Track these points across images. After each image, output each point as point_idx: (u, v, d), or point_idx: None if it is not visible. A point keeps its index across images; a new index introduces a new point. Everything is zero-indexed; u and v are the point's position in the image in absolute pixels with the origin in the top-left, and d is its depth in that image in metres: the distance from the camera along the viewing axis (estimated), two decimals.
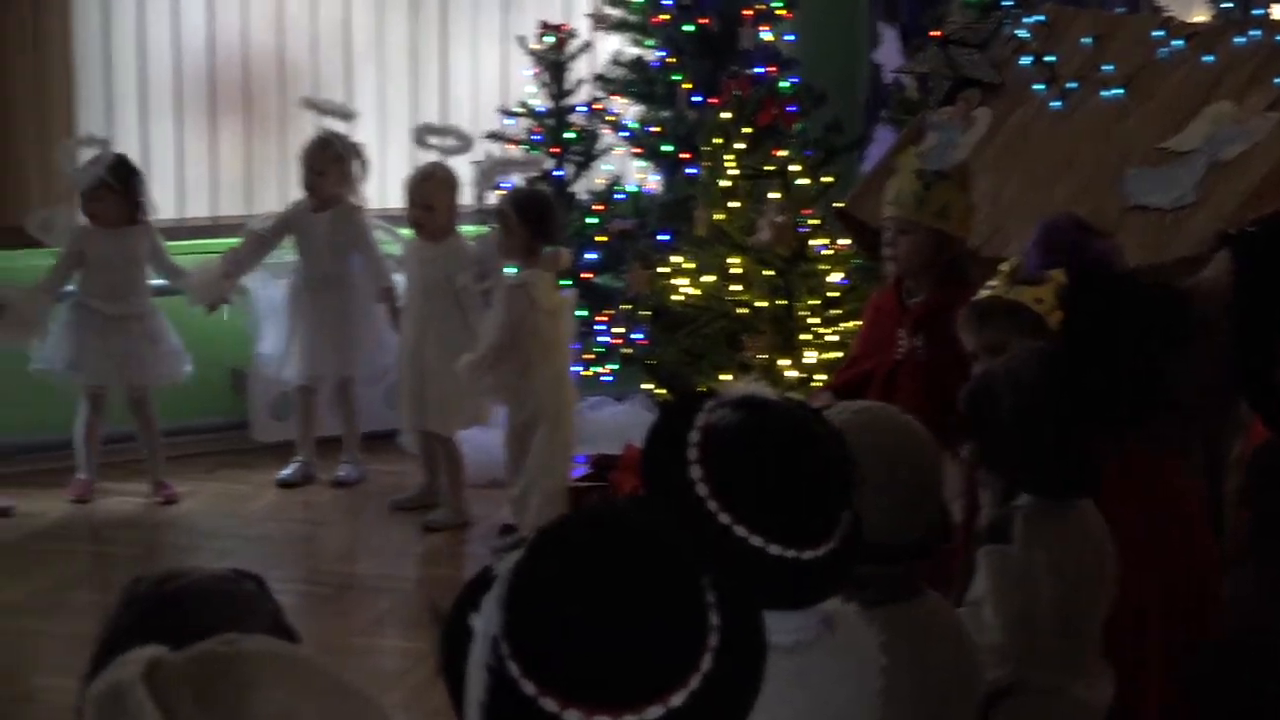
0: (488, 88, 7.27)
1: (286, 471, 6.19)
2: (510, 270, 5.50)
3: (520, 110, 6.65)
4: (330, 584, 5.26)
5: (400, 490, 6.02)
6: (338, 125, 6.18)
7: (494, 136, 6.57)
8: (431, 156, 6.00)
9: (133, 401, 6.01)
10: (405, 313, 5.93)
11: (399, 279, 6.05)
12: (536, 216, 5.43)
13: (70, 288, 5.91)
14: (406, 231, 6.04)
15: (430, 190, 5.86)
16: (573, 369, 5.80)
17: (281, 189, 6.66)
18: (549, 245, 5.47)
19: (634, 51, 6.79)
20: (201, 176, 6.78)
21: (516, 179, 6.01)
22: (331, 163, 6.08)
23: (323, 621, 4.81)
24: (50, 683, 4.26)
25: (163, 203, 6.34)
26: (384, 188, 6.62)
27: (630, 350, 6.37)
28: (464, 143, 6.06)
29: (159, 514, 5.86)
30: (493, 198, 5.87)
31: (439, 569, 5.44)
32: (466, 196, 6.04)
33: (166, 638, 1.69)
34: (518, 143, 6.59)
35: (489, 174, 5.94)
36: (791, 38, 6.78)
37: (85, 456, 5.99)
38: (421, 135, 6.09)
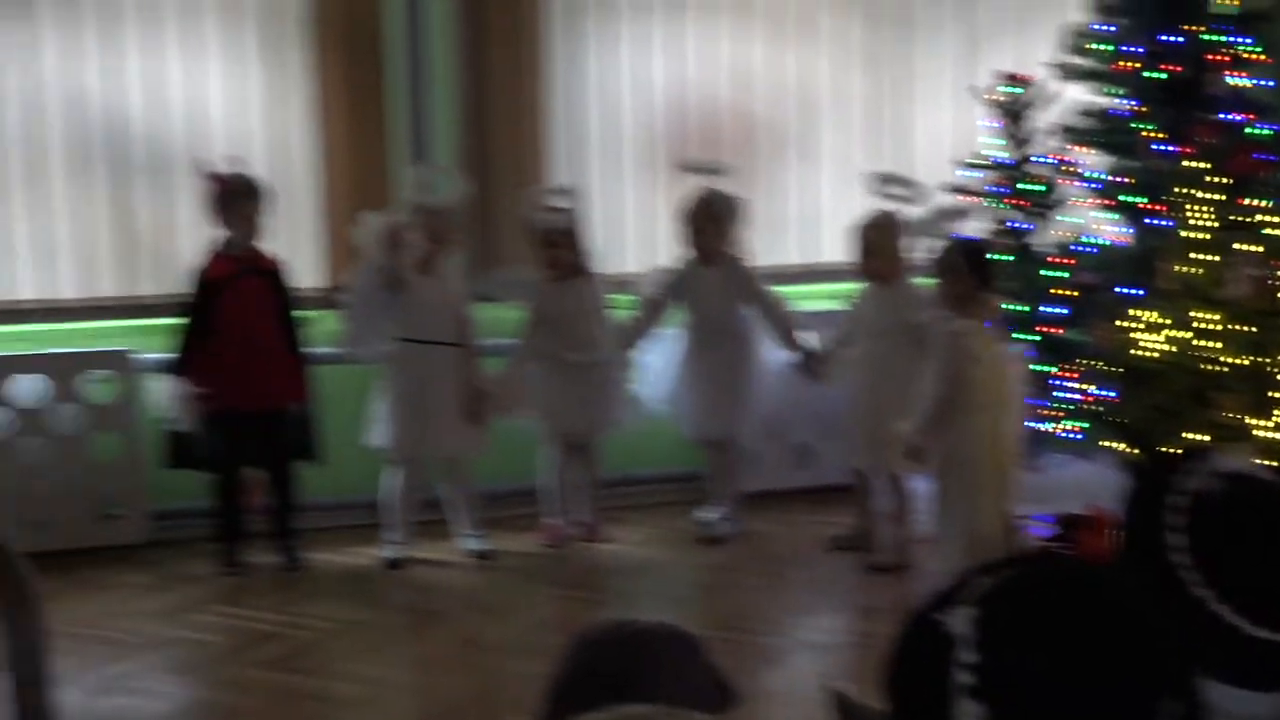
0: (947, 138, 7.26)
1: (705, 515, 6.31)
2: (945, 319, 5.50)
3: (979, 161, 6.60)
4: (759, 636, 5.31)
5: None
6: (717, 181, 6.23)
7: (954, 189, 6.53)
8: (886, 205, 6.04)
9: (582, 445, 6.25)
10: (859, 355, 5.98)
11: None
12: (982, 266, 5.42)
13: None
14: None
15: (879, 236, 5.93)
16: (1024, 423, 5.72)
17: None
18: (988, 294, 5.44)
19: (1098, 100, 6.65)
20: (648, 230, 6.97)
21: (958, 228, 5.95)
22: (709, 220, 6.16)
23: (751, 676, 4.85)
24: None
25: (621, 256, 6.63)
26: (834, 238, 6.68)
27: (1095, 407, 6.22)
28: (918, 193, 6.05)
29: (625, 561, 6.05)
30: (934, 246, 5.83)
31: (873, 623, 5.40)
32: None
33: (609, 692, 1.76)
34: (976, 194, 6.54)
35: (933, 223, 5.91)
36: (1268, 83, 6.51)
37: (557, 502, 6.25)
38: (878, 184, 6.12)
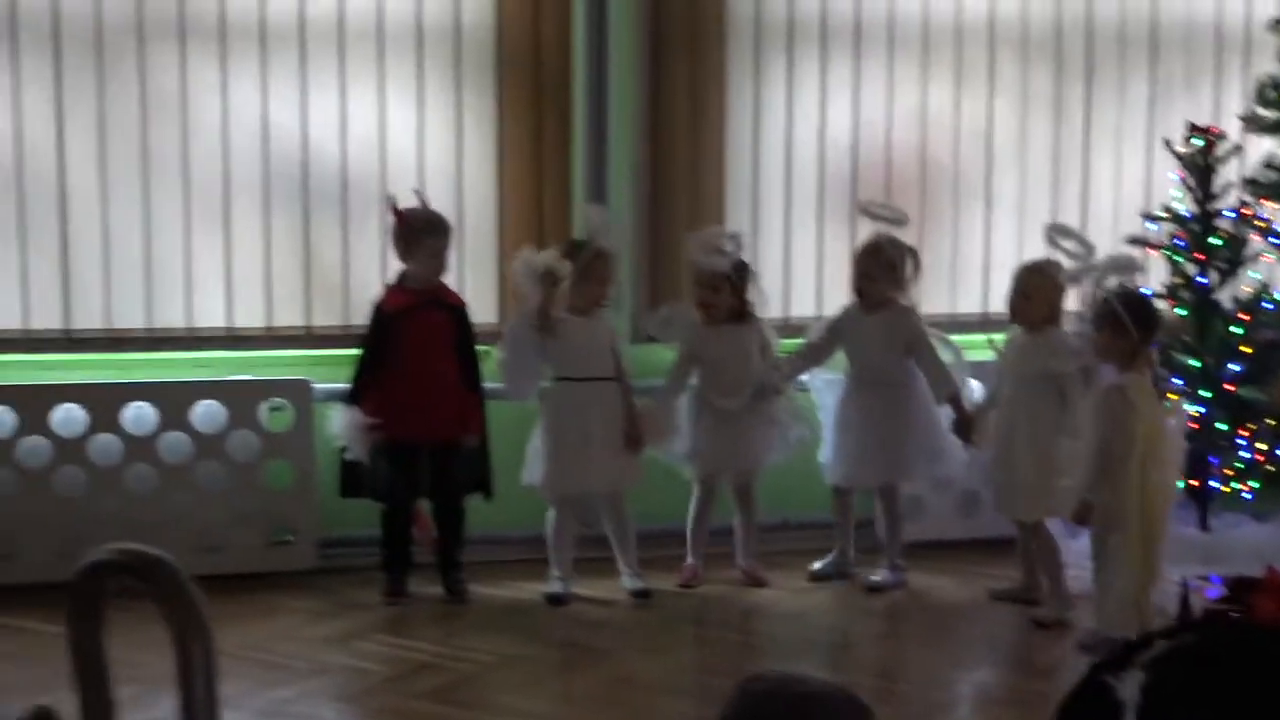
0: (1130, 190, 7.14)
1: (818, 565, 6.30)
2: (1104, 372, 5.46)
3: (1163, 215, 6.47)
4: (918, 688, 5.22)
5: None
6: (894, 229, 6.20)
7: (1135, 241, 6.42)
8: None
9: (735, 486, 6.24)
10: (1004, 403, 5.91)
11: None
12: (1146, 319, 5.35)
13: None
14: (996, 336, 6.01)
15: (1033, 280, 5.87)
16: (1179, 481, 5.62)
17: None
18: (1148, 348, 5.38)
19: None
20: (825, 275, 6.89)
21: (1129, 281, 5.83)
22: (882, 268, 6.11)
23: None
24: None
25: (799, 302, 6.61)
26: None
27: (1273, 467, 6.06)
28: (1087, 250, 5.88)
29: (784, 606, 6.01)
30: (1097, 298, 5.72)
31: (1034, 681, 5.30)
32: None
33: None
34: (1159, 247, 6.42)
35: (1102, 275, 5.79)
36: None
37: (694, 543, 6.25)
38: (1052, 235, 6.02)
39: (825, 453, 6.29)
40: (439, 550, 6.02)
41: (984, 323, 6.85)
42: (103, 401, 6.02)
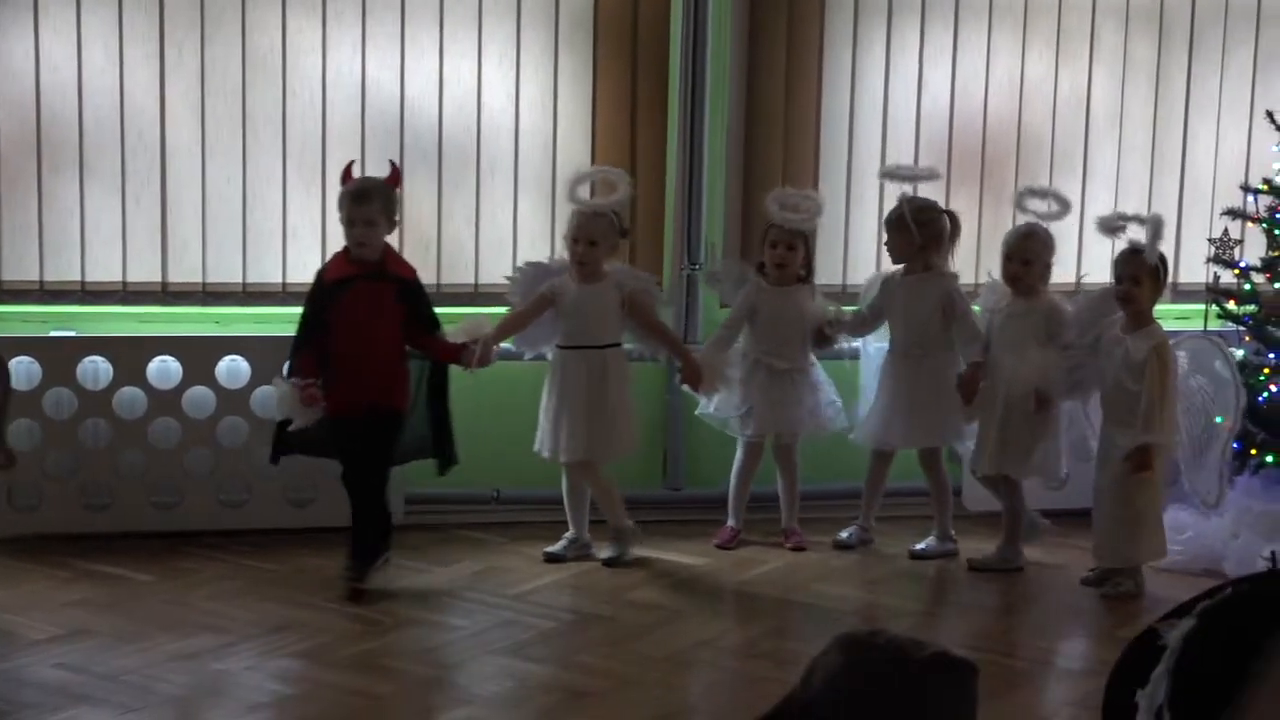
0: (1230, 162, 7.05)
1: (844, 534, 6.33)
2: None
3: (1262, 187, 6.38)
4: (1004, 658, 5.21)
5: None
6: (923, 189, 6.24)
7: (1231, 213, 6.35)
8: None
9: (778, 449, 6.24)
10: (993, 365, 5.97)
11: None
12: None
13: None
14: None
15: (1030, 246, 5.96)
16: None
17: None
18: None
19: None
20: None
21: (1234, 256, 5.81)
22: (911, 229, 6.05)
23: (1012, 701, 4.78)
24: None
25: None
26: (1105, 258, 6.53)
27: None
28: (1062, 206, 6.10)
29: (873, 572, 6.02)
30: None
31: None
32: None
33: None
34: (1257, 220, 6.33)
35: (1154, 241, 5.77)
36: None
37: (736, 504, 6.27)
38: (1022, 198, 6.17)
39: (861, 416, 6.32)
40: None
41: (1078, 294, 6.80)
42: (197, 355, 6.12)
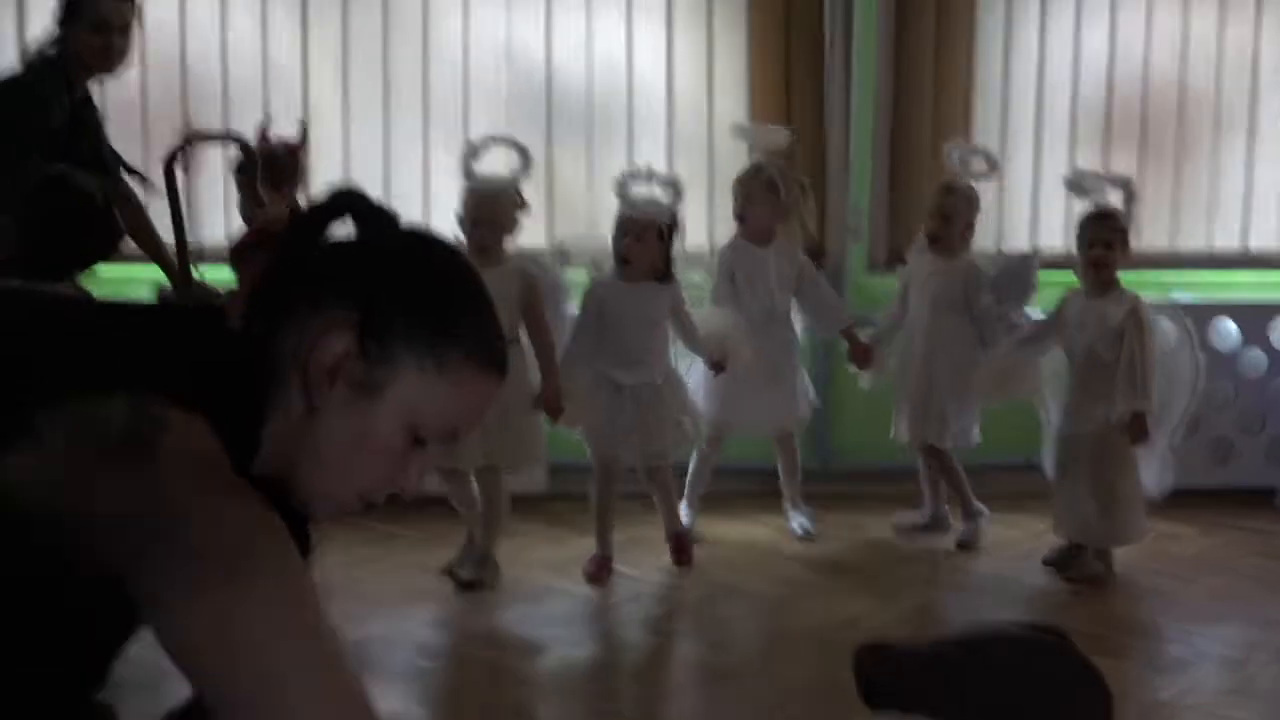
0: None
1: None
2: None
3: None
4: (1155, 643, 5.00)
5: None
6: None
7: None
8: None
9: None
10: (915, 327, 5.81)
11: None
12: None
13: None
14: None
15: (953, 202, 5.74)
16: None
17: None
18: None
19: None
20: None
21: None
22: (762, 190, 5.75)
23: None
24: None
25: (1046, 233, 6.40)
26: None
27: None
28: (991, 166, 5.92)
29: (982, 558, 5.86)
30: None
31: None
32: None
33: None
34: None
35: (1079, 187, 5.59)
36: None
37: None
38: (958, 152, 5.91)
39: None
40: None
41: (1244, 259, 6.56)
42: None
